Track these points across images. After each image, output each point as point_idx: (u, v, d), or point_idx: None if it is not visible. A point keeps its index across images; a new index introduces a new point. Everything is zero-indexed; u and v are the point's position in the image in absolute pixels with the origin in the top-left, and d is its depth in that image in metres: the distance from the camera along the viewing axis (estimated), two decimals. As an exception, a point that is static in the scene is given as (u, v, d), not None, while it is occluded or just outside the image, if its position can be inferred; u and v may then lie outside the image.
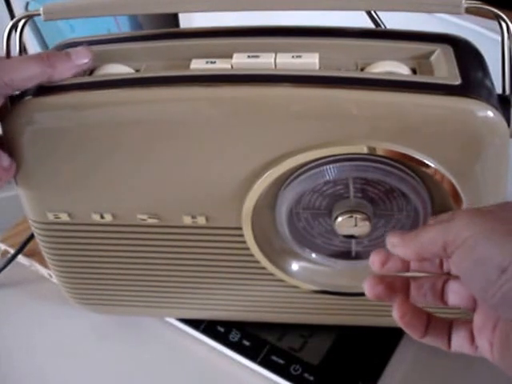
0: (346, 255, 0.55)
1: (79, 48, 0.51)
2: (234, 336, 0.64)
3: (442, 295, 0.45)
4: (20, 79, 0.47)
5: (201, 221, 0.53)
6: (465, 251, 0.37)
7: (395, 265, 0.45)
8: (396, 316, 0.43)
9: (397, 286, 0.45)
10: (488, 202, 0.48)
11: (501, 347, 0.40)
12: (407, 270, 0.45)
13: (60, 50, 0.53)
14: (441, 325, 0.44)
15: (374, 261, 0.45)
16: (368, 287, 0.45)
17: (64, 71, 0.49)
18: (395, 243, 0.43)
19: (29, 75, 0.48)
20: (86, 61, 0.50)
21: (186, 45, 0.52)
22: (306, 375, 0.61)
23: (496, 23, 0.48)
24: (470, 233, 0.36)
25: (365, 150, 0.47)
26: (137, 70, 0.51)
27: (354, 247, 0.54)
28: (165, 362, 0.64)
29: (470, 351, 0.42)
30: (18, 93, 0.50)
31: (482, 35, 0.62)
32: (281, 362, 0.62)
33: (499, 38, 0.48)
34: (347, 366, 0.61)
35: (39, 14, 0.50)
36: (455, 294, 0.44)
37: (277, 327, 0.64)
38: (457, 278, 0.43)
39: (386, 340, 0.63)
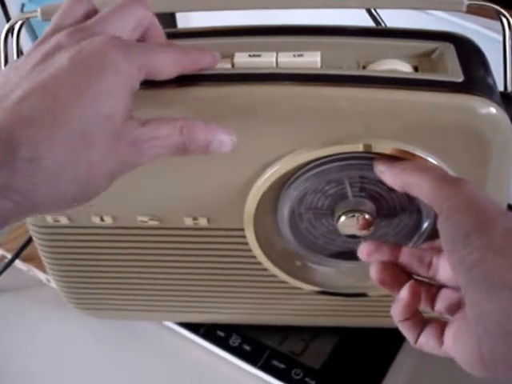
0: (348, 256, 0.54)
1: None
2: (235, 341, 0.63)
3: (432, 300, 0.46)
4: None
5: (202, 222, 0.52)
6: (445, 216, 0.40)
7: (382, 257, 0.47)
8: (405, 294, 0.45)
9: (400, 279, 0.46)
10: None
11: (456, 330, 0.42)
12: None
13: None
14: (418, 319, 0.45)
15: (362, 250, 0.47)
16: (375, 271, 0.46)
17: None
18: (383, 170, 0.46)
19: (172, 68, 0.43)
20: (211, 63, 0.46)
21: (185, 45, 0.51)
22: (307, 379, 0.60)
23: (496, 23, 0.48)
24: (453, 202, 0.40)
25: (368, 149, 0.47)
26: (136, 71, 0.51)
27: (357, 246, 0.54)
28: (164, 367, 0.63)
29: (434, 349, 0.44)
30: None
31: (483, 35, 0.62)
32: (282, 366, 0.62)
33: (500, 38, 0.48)
34: (349, 370, 0.61)
35: (36, 16, 0.50)
36: (443, 300, 0.45)
37: (277, 331, 0.64)
38: (447, 286, 0.46)
39: (388, 344, 0.63)
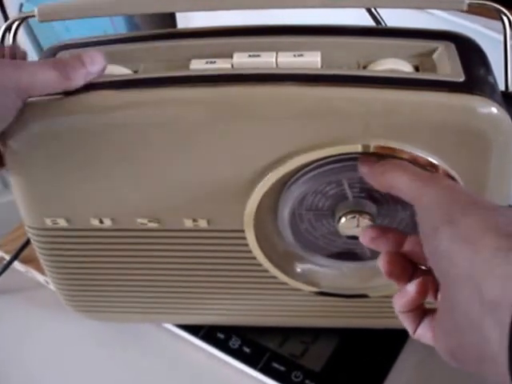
0: (349, 257, 0.54)
1: (93, 53, 0.48)
2: (234, 343, 0.63)
3: (435, 290, 0.45)
4: (39, 86, 0.45)
5: (202, 224, 0.52)
6: (421, 211, 0.42)
7: (384, 245, 0.47)
8: (412, 290, 0.44)
9: (407, 270, 0.46)
10: (492, 198, 0.48)
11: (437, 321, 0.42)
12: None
13: (55, 51, 0.52)
14: (419, 311, 0.45)
15: (365, 235, 0.47)
16: (383, 262, 0.46)
17: (79, 81, 0.47)
18: (365, 172, 0.47)
19: (47, 83, 0.45)
20: (100, 68, 0.48)
21: (185, 45, 0.51)
22: (307, 382, 0.60)
23: (497, 23, 0.48)
24: (428, 198, 0.41)
25: (368, 149, 0.46)
26: (135, 72, 0.51)
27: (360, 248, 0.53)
28: (163, 369, 0.63)
29: (431, 341, 0.43)
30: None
31: (484, 35, 0.62)
32: (282, 368, 0.61)
33: (500, 38, 0.48)
34: (349, 373, 0.61)
35: (34, 16, 0.50)
36: None
37: (277, 334, 0.63)
38: None
39: (389, 346, 0.62)
